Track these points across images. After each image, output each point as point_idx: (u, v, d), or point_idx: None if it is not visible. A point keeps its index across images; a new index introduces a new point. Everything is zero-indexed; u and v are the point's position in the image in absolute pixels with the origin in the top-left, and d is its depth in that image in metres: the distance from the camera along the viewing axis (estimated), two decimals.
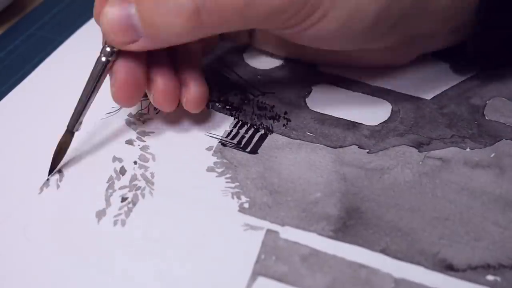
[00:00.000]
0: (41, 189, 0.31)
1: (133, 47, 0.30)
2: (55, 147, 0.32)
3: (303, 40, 0.32)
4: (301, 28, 0.30)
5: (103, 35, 0.30)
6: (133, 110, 0.36)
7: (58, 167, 0.32)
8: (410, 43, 0.35)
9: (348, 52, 0.34)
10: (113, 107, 0.36)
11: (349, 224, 0.30)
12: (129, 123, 0.35)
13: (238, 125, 0.35)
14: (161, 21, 0.29)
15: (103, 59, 0.30)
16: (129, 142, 0.34)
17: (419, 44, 0.36)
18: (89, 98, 0.31)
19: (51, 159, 0.32)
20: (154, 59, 0.32)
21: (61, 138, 0.32)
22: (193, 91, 0.32)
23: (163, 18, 0.28)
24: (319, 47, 0.33)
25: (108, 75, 0.31)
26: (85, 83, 0.31)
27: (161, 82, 0.32)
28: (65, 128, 0.32)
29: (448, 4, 0.32)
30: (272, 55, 0.39)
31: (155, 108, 0.36)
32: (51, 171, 0.32)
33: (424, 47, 0.37)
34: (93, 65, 0.31)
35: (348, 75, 0.38)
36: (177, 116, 0.35)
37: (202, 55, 0.35)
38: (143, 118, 0.35)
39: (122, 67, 0.31)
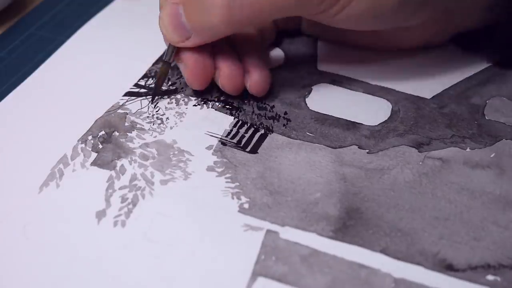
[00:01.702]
0: (41, 188, 0.31)
1: (188, 43, 0.34)
2: (156, 77, 0.37)
3: (337, 23, 0.34)
4: (332, 12, 0.32)
5: (163, 34, 0.34)
6: (133, 108, 0.36)
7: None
8: (445, 20, 0.36)
9: (386, 33, 0.36)
10: (112, 106, 0.36)
11: (349, 224, 0.30)
12: (128, 121, 0.35)
13: (238, 124, 0.35)
14: (200, 18, 0.32)
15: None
16: (129, 140, 0.34)
17: (453, 22, 0.36)
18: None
19: (153, 87, 0.37)
20: (218, 50, 0.35)
21: (160, 68, 0.36)
22: (255, 76, 0.35)
23: (202, 16, 0.32)
24: (353, 29, 0.35)
25: (177, 64, 0.36)
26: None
27: (226, 69, 0.35)
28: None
29: None
30: (272, 55, 0.40)
31: (154, 107, 0.36)
32: (153, 99, 0.36)
33: (459, 25, 0.37)
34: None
35: (348, 74, 0.38)
36: (177, 115, 0.35)
37: (263, 43, 0.38)
38: (143, 117, 0.35)
39: (189, 56, 0.34)
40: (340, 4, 0.32)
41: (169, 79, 0.38)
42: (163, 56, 0.36)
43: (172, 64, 0.36)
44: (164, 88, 0.37)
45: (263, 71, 0.35)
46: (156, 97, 0.36)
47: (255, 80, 0.35)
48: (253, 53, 0.36)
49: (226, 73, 0.35)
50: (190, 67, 0.35)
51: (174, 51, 0.35)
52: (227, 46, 0.35)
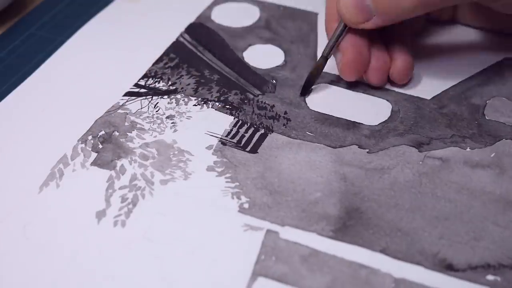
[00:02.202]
0: (41, 188, 0.31)
1: (367, 25, 0.34)
2: (311, 70, 0.36)
3: (505, 6, 0.35)
4: None
5: (340, 16, 0.34)
6: (133, 108, 0.36)
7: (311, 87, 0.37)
8: None
9: None
10: (112, 106, 0.36)
11: (349, 224, 0.30)
12: (128, 121, 0.35)
13: (238, 124, 0.35)
14: (391, 2, 0.32)
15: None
16: (129, 140, 0.34)
17: None
18: (341, 33, 0.35)
19: (305, 80, 0.36)
20: (372, 40, 0.35)
21: (317, 62, 0.36)
22: (399, 64, 0.36)
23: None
24: None
25: (333, 54, 0.36)
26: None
27: (375, 59, 0.35)
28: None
29: None
30: (271, 54, 0.40)
31: (154, 106, 0.36)
32: (304, 92, 0.36)
33: None
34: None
35: None
36: (177, 115, 0.35)
37: (411, 33, 0.38)
38: (143, 117, 0.35)
39: (350, 45, 0.35)
40: None
41: (169, 79, 0.38)
42: (323, 51, 0.36)
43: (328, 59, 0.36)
44: (164, 88, 0.37)
45: (407, 59, 0.36)
46: (308, 90, 0.36)
47: (398, 68, 0.36)
48: (400, 40, 0.36)
49: (375, 67, 0.35)
50: (348, 56, 0.35)
51: (334, 47, 0.35)
52: (379, 36, 0.36)
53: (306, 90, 0.37)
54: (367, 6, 0.33)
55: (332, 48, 0.36)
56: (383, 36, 0.36)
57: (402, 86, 0.37)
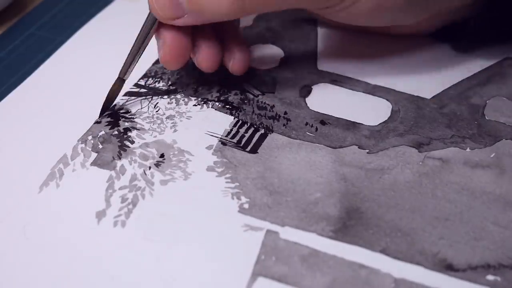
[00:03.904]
0: (41, 188, 0.31)
1: (178, 22, 0.32)
2: (107, 93, 0.35)
3: (340, 19, 0.35)
4: (339, 8, 0.32)
5: (150, 9, 0.33)
6: (133, 109, 0.36)
7: (107, 112, 0.35)
8: (437, 16, 0.36)
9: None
10: (112, 106, 0.36)
11: (349, 225, 0.30)
12: (128, 121, 0.35)
13: (238, 124, 0.35)
14: (205, 4, 0.31)
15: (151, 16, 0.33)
16: (129, 140, 0.34)
17: (445, 17, 0.37)
18: (139, 49, 0.34)
19: (102, 104, 0.35)
20: (198, 27, 0.34)
21: (113, 85, 0.35)
22: (238, 55, 0.35)
23: (207, 2, 0.31)
24: (355, 24, 0.36)
25: (155, 38, 0.34)
26: (135, 36, 0.34)
27: (205, 47, 0.34)
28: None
29: None
30: (272, 54, 0.40)
31: (154, 106, 0.36)
32: (101, 114, 0.35)
33: (449, 19, 0.38)
34: (143, 22, 0.34)
35: (348, 74, 0.38)
36: (177, 115, 0.35)
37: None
38: (143, 117, 0.35)
39: (168, 32, 0.33)
40: (347, 1, 0.32)
41: (169, 79, 0.38)
42: (119, 71, 0.35)
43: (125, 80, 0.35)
44: (164, 88, 0.37)
45: (245, 51, 0.36)
46: (105, 112, 0.35)
47: (238, 59, 0.35)
48: (234, 33, 0.36)
49: (204, 53, 0.34)
50: (168, 44, 0.33)
51: (131, 67, 0.34)
52: (208, 24, 0.35)
53: (103, 112, 0.35)
54: (180, 3, 0.31)
55: (128, 68, 0.34)
56: (214, 26, 0.35)
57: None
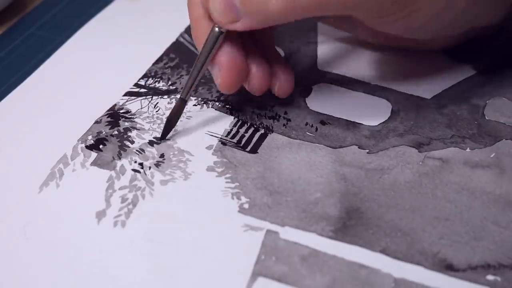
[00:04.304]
0: (41, 188, 0.31)
1: (236, 26, 0.31)
2: (169, 113, 0.34)
3: (393, 29, 0.33)
4: (393, 18, 0.31)
5: (211, 14, 0.32)
6: (133, 109, 0.36)
7: (170, 133, 0.34)
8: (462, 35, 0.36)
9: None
10: (112, 106, 0.36)
11: (349, 225, 0.30)
12: (128, 121, 0.35)
13: (238, 124, 0.35)
14: (258, 3, 0.30)
15: (216, 29, 0.32)
16: (129, 140, 0.34)
17: (468, 35, 0.37)
18: (201, 69, 0.33)
19: (163, 125, 0.34)
20: (250, 52, 0.34)
21: (175, 106, 0.34)
22: (283, 79, 0.35)
23: (260, 0, 0.30)
24: (405, 36, 0.34)
25: (209, 68, 0.33)
26: (197, 56, 0.33)
27: (256, 71, 0.34)
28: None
29: None
30: None
31: (154, 106, 0.36)
32: (163, 136, 0.34)
33: (470, 36, 0.37)
34: (206, 39, 0.33)
35: (348, 74, 0.38)
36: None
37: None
38: (143, 117, 0.35)
39: (224, 57, 0.33)
40: (406, 11, 0.31)
41: (169, 79, 0.38)
42: (181, 92, 0.34)
43: (187, 102, 0.34)
44: (164, 88, 0.37)
45: (290, 74, 0.35)
46: (168, 134, 0.34)
47: (283, 83, 0.35)
48: (277, 55, 0.35)
49: (257, 77, 0.34)
50: (225, 69, 0.33)
51: (192, 88, 0.33)
52: (255, 46, 0.35)
53: (166, 134, 0.34)
54: (235, 6, 0.31)
55: (190, 89, 0.33)
56: (262, 50, 0.35)
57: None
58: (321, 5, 0.30)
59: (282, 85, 0.35)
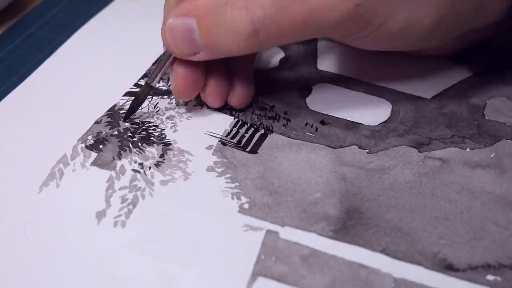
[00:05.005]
0: (41, 188, 0.31)
1: (194, 58, 0.32)
2: (134, 97, 0.35)
3: (364, 45, 0.34)
4: (359, 35, 0.31)
5: (166, 46, 0.32)
6: None
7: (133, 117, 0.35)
8: (459, 38, 0.35)
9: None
10: (113, 106, 0.36)
11: (349, 225, 0.30)
12: (128, 121, 0.35)
13: (238, 124, 0.35)
14: (220, 39, 0.30)
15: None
16: (129, 140, 0.34)
17: (468, 39, 0.36)
18: (163, 67, 0.33)
19: (128, 107, 0.35)
20: (209, 63, 0.33)
21: (140, 89, 0.34)
22: (238, 91, 0.35)
23: (222, 36, 0.30)
24: (378, 49, 0.35)
25: (168, 71, 0.34)
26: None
27: (213, 83, 0.34)
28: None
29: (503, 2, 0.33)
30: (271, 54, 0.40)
31: (154, 107, 0.36)
32: (126, 118, 0.35)
33: (473, 40, 0.37)
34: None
35: (348, 74, 0.38)
36: (177, 115, 0.35)
37: (251, 60, 0.36)
38: (143, 117, 0.35)
39: (182, 65, 0.33)
40: (369, 28, 0.31)
41: (169, 79, 0.38)
42: (148, 77, 0.34)
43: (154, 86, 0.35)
44: (164, 88, 0.37)
45: (247, 87, 0.35)
46: (130, 116, 0.35)
47: (237, 95, 0.35)
48: (242, 66, 0.35)
49: (212, 90, 0.34)
50: (181, 78, 0.33)
51: (159, 73, 0.34)
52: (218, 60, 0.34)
53: (128, 116, 0.35)
54: (194, 40, 0.31)
55: (158, 75, 0.34)
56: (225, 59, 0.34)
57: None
58: (283, 39, 0.31)
59: (237, 97, 0.35)
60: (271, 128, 0.35)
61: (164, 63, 0.33)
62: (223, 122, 0.35)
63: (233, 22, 0.29)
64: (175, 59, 0.33)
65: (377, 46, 0.34)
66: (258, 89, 0.36)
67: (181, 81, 0.33)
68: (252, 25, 0.29)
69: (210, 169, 0.32)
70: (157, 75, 0.34)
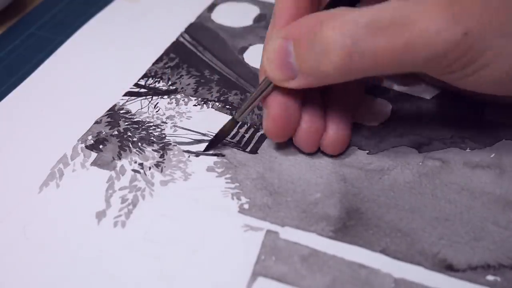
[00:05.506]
0: (41, 188, 0.31)
1: (291, 84, 0.30)
2: (219, 129, 0.33)
3: (462, 85, 0.30)
4: (461, 74, 0.28)
5: (262, 71, 0.31)
6: (133, 109, 0.36)
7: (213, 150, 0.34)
8: None
9: None
10: (112, 106, 0.36)
11: (349, 225, 0.30)
12: (128, 121, 0.35)
13: (238, 124, 0.35)
14: (314, 61, 0.29)
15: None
16: (129, 140, 0.34)
17: None
18: (257, 98, 0.32)
19: (211, 139, 0.33)
20: (307, 98, 0.32)
21: (227, 124, 0.33)
22: (330, 134, 0.32)
23: (316, 58, 0.28)
24: (478, 92, 0.30)
25: (262, 106, 0.32)
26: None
27: (306, 125, 0.32)
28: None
29: None
30: None
31: (154, 107, 0.36)
32: (207, 149, 0.33)
33: None
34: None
35: None
36: (177, 115, 0.35)
37: (353, 102, 0.34)
38: (143, 117, 0.35)
39: (276, 102, 0.31)
40: (472, 68, 0.28)
41: (169, 79, 0.38)
42: (235, 113, 0.33)
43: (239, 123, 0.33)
44: (164, 88, 0.37)
45: (343, 131, 0.32)
46: (212, 148, 0.33)
47: (331, 140, 0.32)
48: (339, 109, 0.33)
49: (303, 129, 0.32)
50: (273, 117, 0.31)
51: (250, 111, 0.32)
52: (318, 95, 0.32)
53: (210, 148, 0.33)
54: (291, 63, 0.29)
55: (244, 112, 0.32)
56: (324, 102, 0.33)
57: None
58: (379, 66, 0.28)
59: (328, 143, 0.32)
60: None
61: (255, 98, 0.32)
62: (223, 122, 0.35)
63: (327, 43, 0.28)
64: (269, 92, 0.31)
65: (478, 88, 0.30)
66: None
67: (272, 120, 0.31)
68: (346, 45, 0.27)
69: (210, 169, 0.32)
70: (245, 110, 0.32)
